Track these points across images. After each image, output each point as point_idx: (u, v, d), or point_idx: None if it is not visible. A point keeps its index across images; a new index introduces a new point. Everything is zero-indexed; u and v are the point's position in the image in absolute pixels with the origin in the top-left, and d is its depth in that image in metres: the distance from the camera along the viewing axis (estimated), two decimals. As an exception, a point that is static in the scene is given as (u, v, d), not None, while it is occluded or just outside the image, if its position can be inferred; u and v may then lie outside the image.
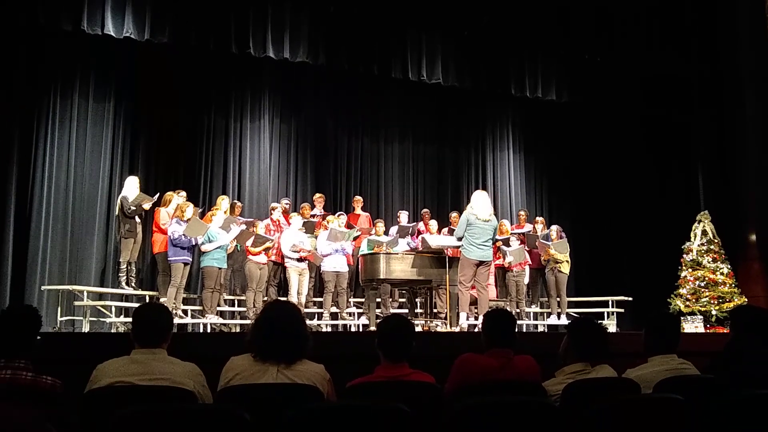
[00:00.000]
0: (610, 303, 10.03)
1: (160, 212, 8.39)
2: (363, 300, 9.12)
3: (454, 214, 9.75)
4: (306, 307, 8.91)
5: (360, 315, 9.25)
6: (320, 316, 8.98)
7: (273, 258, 8.88)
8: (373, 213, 10.66)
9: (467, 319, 7.48)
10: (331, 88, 10.95)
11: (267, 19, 9.28)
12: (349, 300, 9.37)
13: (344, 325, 9.03)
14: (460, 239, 7.59)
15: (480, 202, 7.56)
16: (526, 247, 9.55)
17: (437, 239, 8.53)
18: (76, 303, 7.93)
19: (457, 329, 7.55)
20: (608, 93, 11.12)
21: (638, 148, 12.09)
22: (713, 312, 9.60)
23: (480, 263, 7.46)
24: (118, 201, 8.42)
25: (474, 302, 7.80)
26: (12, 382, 2.85)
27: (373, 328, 7.87)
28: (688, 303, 9.85)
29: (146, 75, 9.58)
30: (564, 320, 9.18)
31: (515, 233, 9.70)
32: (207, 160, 10.20)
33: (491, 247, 7.64)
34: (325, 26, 9.63)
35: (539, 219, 10.30)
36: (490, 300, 8.33)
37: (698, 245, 10.20)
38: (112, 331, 7.70)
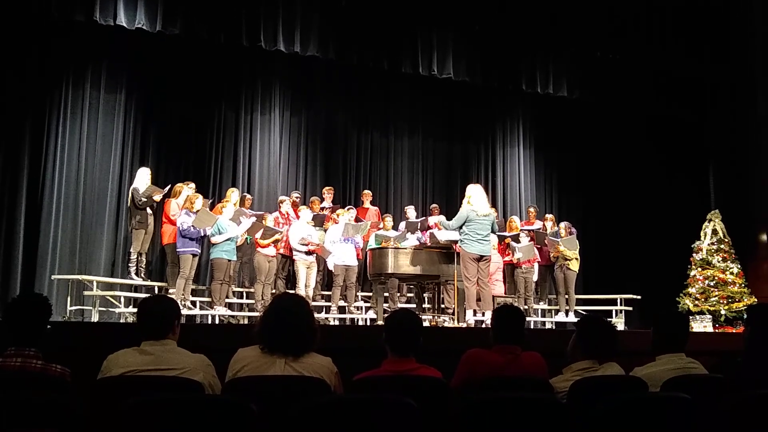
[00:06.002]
0: (618, 301, 9.98)
1: (170, 203, 8.41)
2: (371, 294, 9.13)
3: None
4: (314, 300, 8.94)
5: (368, 309, 9.26)
6: (328, 310, 9.00)
7: (282, 251, 8.90)
8: (381, 207, 10.63)
9: (474, 315, 7.47)
10: (341, 82, 10.92)
11: (278, 13, 9.28)
12: (357, 294, 9.38)
13: (352, 319, 9.04)
14: (455, 229, 7.64)
15: (478, 197, 7.61)
16: (536, 244, 9.52)
17: (445, 234, 8.52)
18: (86, 293, 7.98)
19: (464, 325, 7.55)
20: (620, 91, 11.06)
21: (649, 147, 12.01)
22: (722, 311, 9.56)
23: (480, 258, 7.47)
24: (129, 192, 8.46)
25: (478, 298, 7.80)
26: (22, 370, 2.88)
27: (380, 323, 7.88)
28: (697, 302, 9.81)
29: (158, 67, 9.62)
30: (572, 318, 9.15)
31: (525, 230, 9.65)
32: (217, 152, 10.22)
33: (490, 241, 7.67)
34: (336, 20, 9.61)
35: (549, 216, 10.26)
36: (498, 296, 8.32)
37: (708, 244, 10.15)
38: (121, 321, 7.75)
